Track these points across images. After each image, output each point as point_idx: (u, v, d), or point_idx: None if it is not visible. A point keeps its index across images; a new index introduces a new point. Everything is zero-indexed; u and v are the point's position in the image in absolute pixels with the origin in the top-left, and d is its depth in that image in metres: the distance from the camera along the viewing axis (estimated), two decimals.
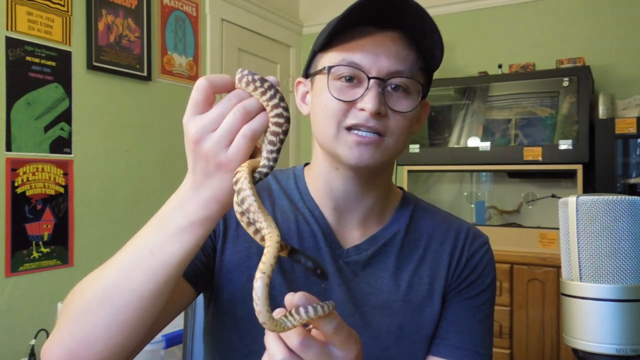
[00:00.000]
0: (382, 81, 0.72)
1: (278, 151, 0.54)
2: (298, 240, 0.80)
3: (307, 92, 0.82)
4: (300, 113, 0.88)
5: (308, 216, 0.82)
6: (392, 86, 0.73)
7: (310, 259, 0.56)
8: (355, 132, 0.72)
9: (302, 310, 0.50)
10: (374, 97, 0.70)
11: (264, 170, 0.54)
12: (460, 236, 0.85)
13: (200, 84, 0.54)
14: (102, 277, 0.60)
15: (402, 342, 0.78)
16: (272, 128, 0.54)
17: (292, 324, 0.49)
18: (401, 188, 0.92)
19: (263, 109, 0.54)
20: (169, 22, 2.43)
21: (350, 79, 0.73)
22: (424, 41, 0.74)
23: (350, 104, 0.73)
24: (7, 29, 1.79)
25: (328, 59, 0.76)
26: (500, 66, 2.70)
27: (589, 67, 2.44)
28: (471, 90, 2.78)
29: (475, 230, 0.88)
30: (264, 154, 0.54)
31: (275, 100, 0.54)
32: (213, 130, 0.53)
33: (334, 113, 0.73)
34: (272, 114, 0.54)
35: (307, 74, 0.82)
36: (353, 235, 0.82)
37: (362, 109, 0.71)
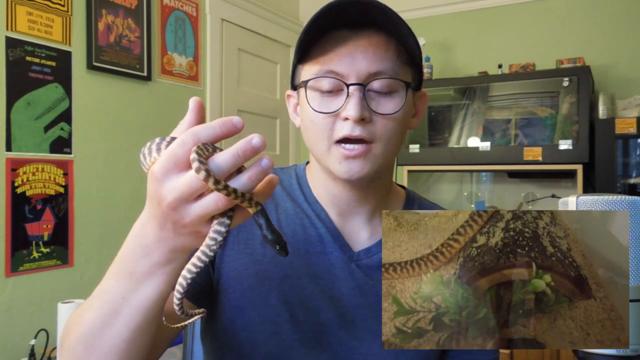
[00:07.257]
0: (362, 86, 0.69)
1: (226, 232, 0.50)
2: (305, 244, 0.79)
3: (298, 104, 0.80)
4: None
5: (314, 219, 0.80)
6: (375, 89, 0.71)
7: (273, 231, 0.52)
8: (343, 145, 0.70)
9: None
10: (356, 104, 0.68)
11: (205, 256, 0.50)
12: None
13: (186, 139, 0.46)
14: (82, 323, 0.60)
15: None
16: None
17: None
18: (402, 186, 0.91)
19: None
20: (169, 22, 2.43)
21: (330, 89, 0.71)
22: (401, 34, 0.71)
23: (335, 115, 0.71)
24: (7, 29, 1.79)
25: (307, 70, 0.74)
26: (500, 66, 2.70)
27: (589, 67, 2.44)
28: (471, 90, 2.78)
29: None
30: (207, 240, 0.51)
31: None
32: (190, 200, 0.48)
33: (322, 127, 0.71)
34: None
35: (293, 85, 0.80)
36: (361, 237, 0.81)
37: (347, 118, 0.69)
